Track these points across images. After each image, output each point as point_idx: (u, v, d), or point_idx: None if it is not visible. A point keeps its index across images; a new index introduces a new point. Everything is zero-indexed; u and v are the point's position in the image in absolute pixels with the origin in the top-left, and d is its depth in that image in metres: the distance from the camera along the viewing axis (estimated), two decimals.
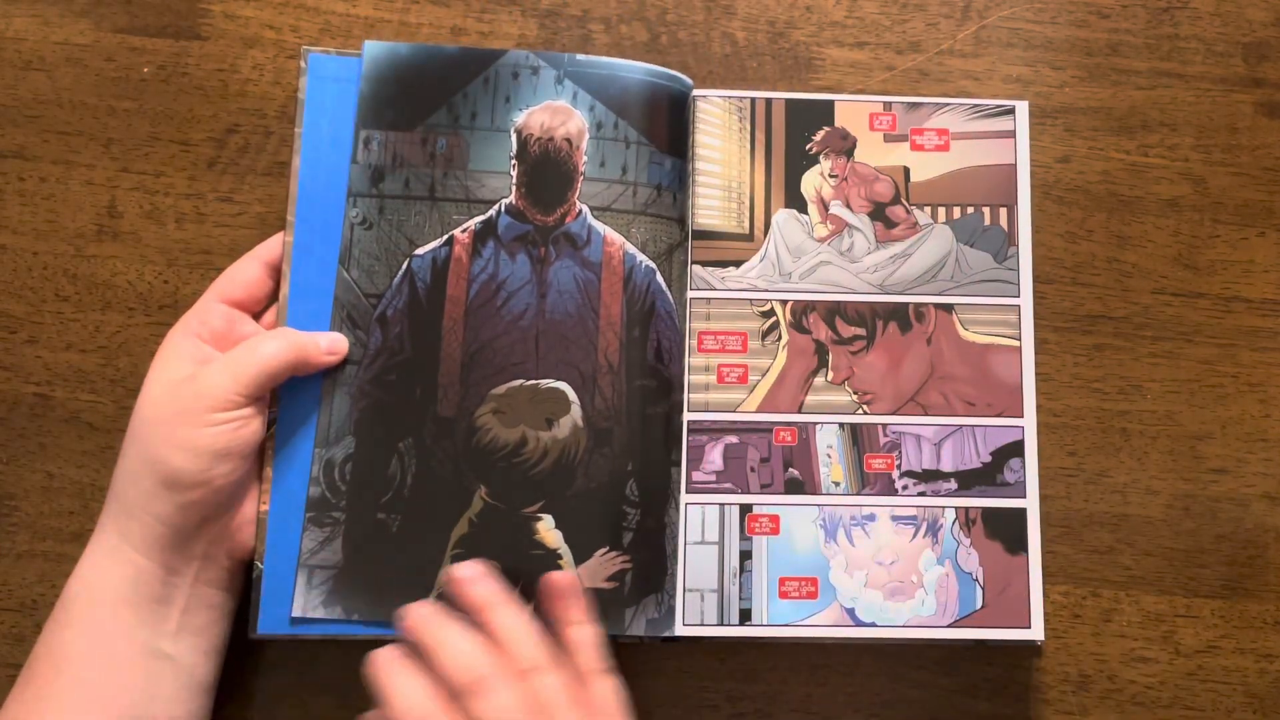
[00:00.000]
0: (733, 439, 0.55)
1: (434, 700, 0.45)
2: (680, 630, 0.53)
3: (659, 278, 0.55)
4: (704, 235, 0.57)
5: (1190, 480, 0.59)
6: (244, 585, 0.53)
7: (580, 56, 0.56)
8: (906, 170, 0.58)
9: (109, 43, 0.60)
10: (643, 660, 0.56)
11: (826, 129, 0.58)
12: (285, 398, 0.53)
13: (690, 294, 0.56)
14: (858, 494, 0.55)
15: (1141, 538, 0.58)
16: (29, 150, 0.59)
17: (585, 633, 0.49)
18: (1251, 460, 0.59)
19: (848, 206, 0.57)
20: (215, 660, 0.52)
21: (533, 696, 0.46)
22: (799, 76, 0.61)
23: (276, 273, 0.54)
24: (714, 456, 0.55)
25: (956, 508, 0.55)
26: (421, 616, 0.48)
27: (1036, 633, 0.54)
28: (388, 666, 0.46)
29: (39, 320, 0.57)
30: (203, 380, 0.49)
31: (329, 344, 0.53)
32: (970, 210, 0.58)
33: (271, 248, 0.54)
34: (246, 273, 0.54)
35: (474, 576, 0.49)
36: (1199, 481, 0.59)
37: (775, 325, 0.56)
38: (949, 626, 0.54)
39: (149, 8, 0.60)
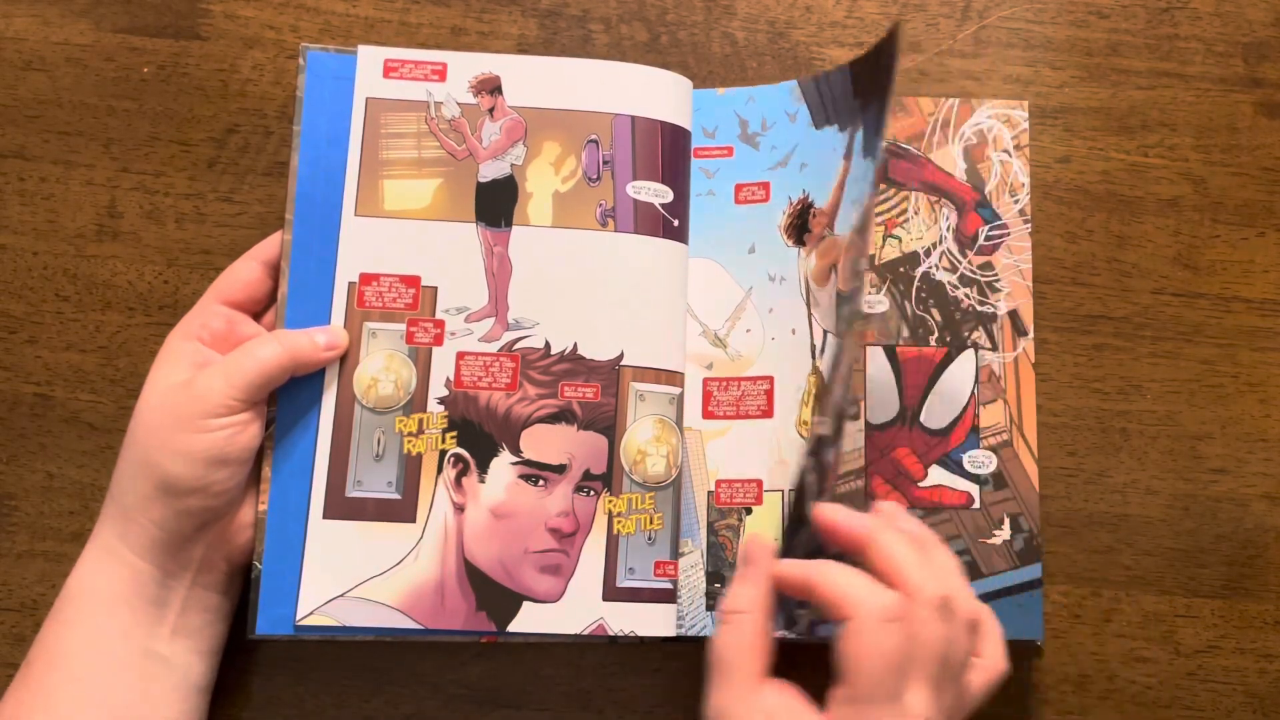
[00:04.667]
0: None
1: (899, 603, 0.42)
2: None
3: None
4: None
5: (1190, 480, 0.59)
6: (242, 587, 0.53)
7: None
8: None
9: (109, 43, 0.60)
10: (643, 660, 0.56)
11: None
12: (283, 397, 0.53)
13: None
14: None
15: (1141, 538, 0.58)
16: (29, 150, 0.59)
17: (974, 597, 0.45)
18: (1251, 460, 0.59)
19: None
20: (211, 661, 0.52)
21: (947, 642, 0.42)
22: (799, 76, 0.61)
23: (276, 272, 0.54)
24: None
25: None
26: (841, 512, 0.45)
27: (1036, 632, 0.54)
28: (840, 572, 0.43)
29: (39, 320, 0.58)
30: (199, 385, 0.49)
31: (327, 340, 0.53)
32: None
33: (270, 247, 0.54)
34: (246, 273, 0.54)
35: (900, 512, 0.46)
36: (1199, 481, 0.59)
37: None
38: None
39: (149, 8, 0.60)
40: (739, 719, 0.42)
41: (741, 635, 0.43)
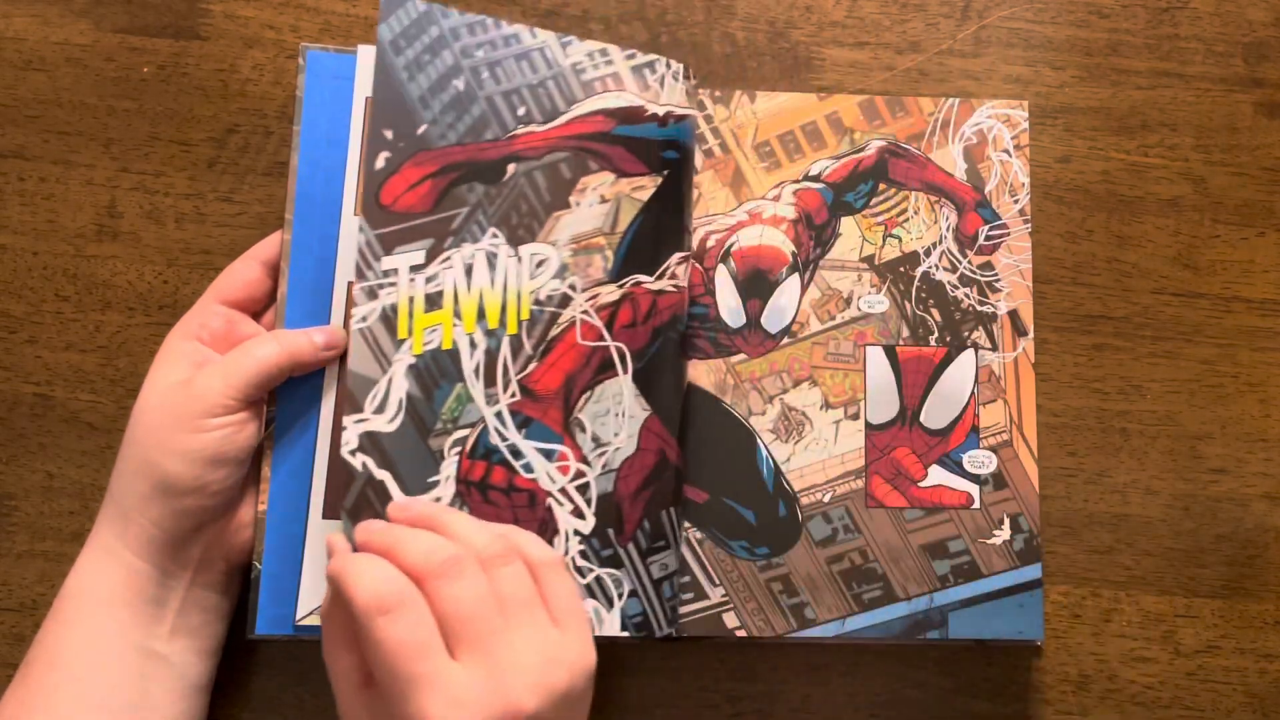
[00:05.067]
0: None
1: (403, 578, 0.42)
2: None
3: None
4: None
5: (1190, 480, 0.59)
6: (241, 587, 0.53)
7: None
8: None
9: (109, 43, 0.60)
10: (642, 660, 0.56)
11: None
12: (283, 397, 0.53)
13: None
14: None
15: (1141, 538, 0.58)
16: (29, 150, 0.59)
17: (528, 533, 0.47)
18: (1251, 460, 0.59)
19: None
20: (210, 661, 0.52)
21: (496, 587, 0.43)
22: (799, 76, 0.61)
23: (275, 272, 0.54)
24: None
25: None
26: (373, 526, 0.46)
27: (1036, 632, 0.54)
28: (346, 556, 0.44)
29: (39, 320, 0.58)
30: (197, 385, 0.49)
31: (325, 339, 0.52)
32: None
33: (270, 247, 0.54)
34: (245, 273, 0.54)
35: (410, 502, 0.48)
36: (1199, 481, 0.59)
37: None
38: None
39: (149, 8, 0.60)
40: None
41: (327, 639, 0.44)
